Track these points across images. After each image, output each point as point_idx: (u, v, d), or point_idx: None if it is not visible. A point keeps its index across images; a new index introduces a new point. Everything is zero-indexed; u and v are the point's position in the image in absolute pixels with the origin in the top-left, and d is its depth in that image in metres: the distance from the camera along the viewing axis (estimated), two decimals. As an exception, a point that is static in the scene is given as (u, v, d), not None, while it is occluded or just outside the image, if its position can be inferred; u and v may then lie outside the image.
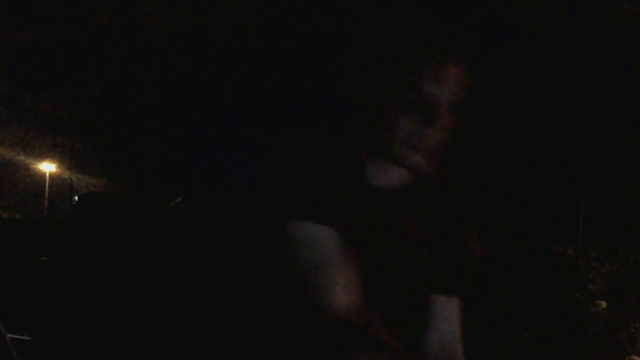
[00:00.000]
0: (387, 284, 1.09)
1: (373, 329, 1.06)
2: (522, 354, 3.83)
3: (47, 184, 23.53)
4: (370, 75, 1.09)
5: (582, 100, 11.65)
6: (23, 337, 3.50)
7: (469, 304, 1.18)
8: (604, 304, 3.80)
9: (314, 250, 1.05)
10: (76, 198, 11.43)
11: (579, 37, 11.72)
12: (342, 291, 1.04)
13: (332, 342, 1.04)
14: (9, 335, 1.86)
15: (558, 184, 11.07)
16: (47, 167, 23.84)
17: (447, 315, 1.15)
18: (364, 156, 1.10)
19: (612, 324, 3.82)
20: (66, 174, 24.07)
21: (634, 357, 3.60)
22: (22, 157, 23.97)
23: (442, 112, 1.05)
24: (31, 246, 6.82)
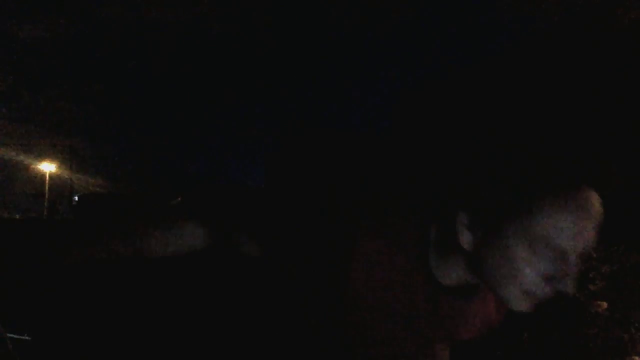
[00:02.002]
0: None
1: None
2: (522, 354, 3.83)
3: (47, 184, 23.51)
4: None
5: (583, 98, 11.65)
6: (23, 337, 3.50)
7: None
8: (604, 304, 3.80)
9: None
10: (76, 198, 11.44)
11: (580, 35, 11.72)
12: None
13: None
14: (9, 335, 1.86)
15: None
16: (47, 167, 23.83)
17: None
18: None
19: (613, 324, 3.81)
20: (66, 174, 24.07)
21: (635, 357, 3.59)
22: (22, 157, 23.96)
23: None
24: (31, 246, 6.82)
